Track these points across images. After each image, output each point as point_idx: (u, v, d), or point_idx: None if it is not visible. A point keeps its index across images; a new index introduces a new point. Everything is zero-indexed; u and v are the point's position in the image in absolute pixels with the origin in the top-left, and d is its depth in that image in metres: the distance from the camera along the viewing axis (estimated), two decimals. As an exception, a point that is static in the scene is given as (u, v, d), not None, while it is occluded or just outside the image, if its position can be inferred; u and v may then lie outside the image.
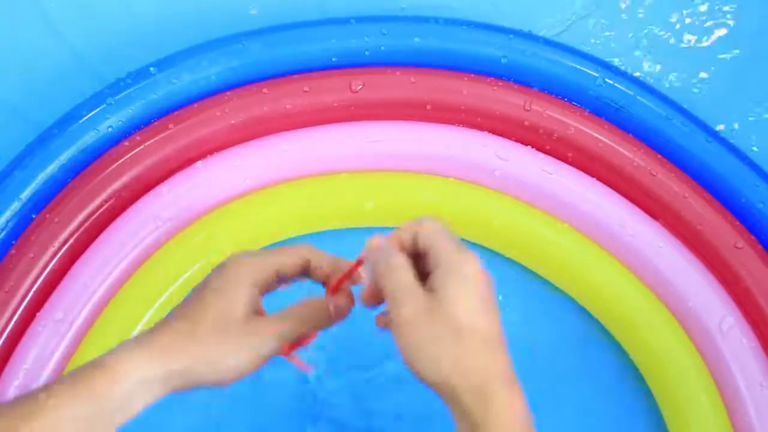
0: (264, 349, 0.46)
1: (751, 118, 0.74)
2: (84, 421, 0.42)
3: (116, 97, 0.68)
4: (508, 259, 0.70)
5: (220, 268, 0.48)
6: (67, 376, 0.43)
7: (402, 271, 0.45)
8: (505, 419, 0.43)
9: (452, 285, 0.44)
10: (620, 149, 0.68)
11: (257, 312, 0.48)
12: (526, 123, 0.68)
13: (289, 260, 0.49)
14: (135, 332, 0.65)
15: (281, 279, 0.49)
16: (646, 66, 0.74)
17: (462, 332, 0.43)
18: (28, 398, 0.42)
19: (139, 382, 0.44)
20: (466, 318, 0.43)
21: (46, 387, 0.43)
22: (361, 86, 0.68)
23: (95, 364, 0.44)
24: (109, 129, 0.68)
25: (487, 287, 0.45)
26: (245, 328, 0.46)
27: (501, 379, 0.44)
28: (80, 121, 0.67)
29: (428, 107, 0.69)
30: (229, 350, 0.45)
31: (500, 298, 0.72)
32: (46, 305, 0.64)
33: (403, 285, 0.45)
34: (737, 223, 0.66)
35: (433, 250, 0.46)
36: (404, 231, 0.47)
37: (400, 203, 0.69)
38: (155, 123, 0.68)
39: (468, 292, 0.44)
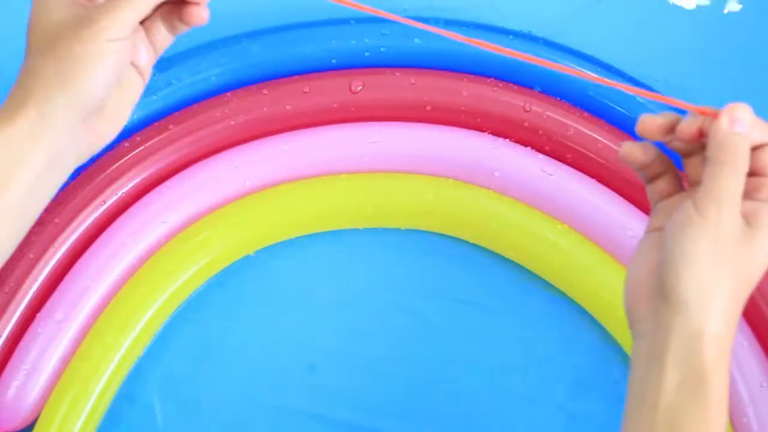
0: (104, 32, 0.41)
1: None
2: None
3: (116, 98, 0.68)
4: (508, 260, 0.70)
5: None
6: None
7: (742, 178, 0.40)
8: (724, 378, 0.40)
9: None
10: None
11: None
12: (526, 124, 0.68)
13: None
14: (134, 333, 0.66)
15: None
16: (646, 66, 0.74)
17: (743, 284, 0.40)
18: None
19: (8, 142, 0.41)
20: (756, 274, 0.40)
21: None
22: (360, 87, 0.68)
23: None
24: (109, 129, 0.68)
25: None
26: (73, 22, 0.41)
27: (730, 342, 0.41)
28: (80, 122, 0.67)
29: (428, 108, 0.69)
30: (69, 53, 0.41)
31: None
32: (46, 305, 0.64)
33: (735, 192, 0.39)
34: (736, 223, 0.66)
35: None
36: (760, 132, 0.41)
37: (400, 204, 0.70)
38: (155, 123, 0.68)
39: None
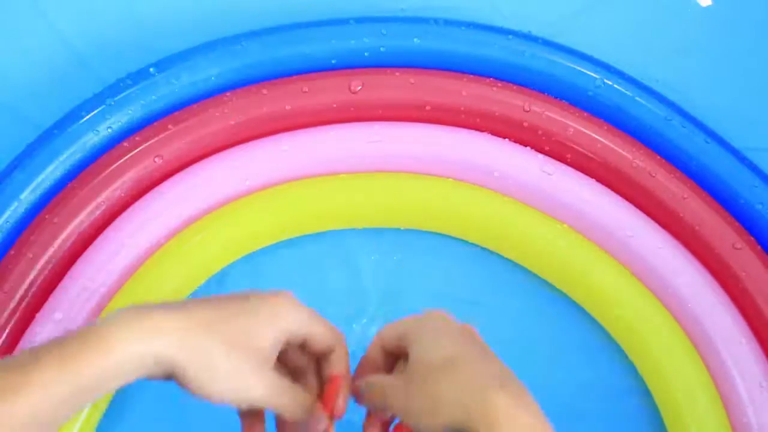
0: (251, 390, 0.44)
1: (750, 119, 0.74)
2: (71, 394, 0.40)
3: (116, 98, 0.68)
4: (507, 260, 0.70)
5: (275, 294, 0.47)
6: (56, 345, 0.41)
7: (379, 380, 0.48)
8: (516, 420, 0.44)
9: (414, 348, 0.47)
10: (619, 150, 0.68)
11: (271, 359, 0.46)
12: (525, 124, 0.68)
13: (323, 335, 0.48)
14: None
15: (301, 344, 0.48)
16: (645, 66, 0.74)
17: (428, 378, 0.45)
18: (12, 369, 0.40)
19: (131, 355, 0.41)
20: (431, 363, 0.45)
21: (34, 356, 0.41)
22: (360, 87, 0.68)
23: (87, 334, 0.42)
24: (109, 130, 0.68)
25: (449, 328, 0.48)
26: (256, 357, 0.44)
27: (492, 387, 0.44)
28: (80, 122, 0.67)
29: (428, 108, 0.69)
30: (227, 359, 0.43)
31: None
32: (46, 305, 0.64)
33: (386, 385, 0.47)
34: (736, 223, 0.66)
35: (402, 342, 0.48)
36: (376, 348, 0.51)
37: (400, 204, 0.70)
38: (155, 123, 0.68)
39: (429, 342, 0.47)
